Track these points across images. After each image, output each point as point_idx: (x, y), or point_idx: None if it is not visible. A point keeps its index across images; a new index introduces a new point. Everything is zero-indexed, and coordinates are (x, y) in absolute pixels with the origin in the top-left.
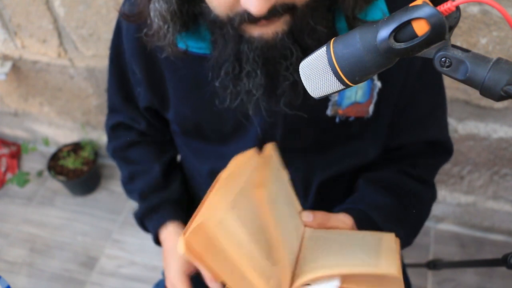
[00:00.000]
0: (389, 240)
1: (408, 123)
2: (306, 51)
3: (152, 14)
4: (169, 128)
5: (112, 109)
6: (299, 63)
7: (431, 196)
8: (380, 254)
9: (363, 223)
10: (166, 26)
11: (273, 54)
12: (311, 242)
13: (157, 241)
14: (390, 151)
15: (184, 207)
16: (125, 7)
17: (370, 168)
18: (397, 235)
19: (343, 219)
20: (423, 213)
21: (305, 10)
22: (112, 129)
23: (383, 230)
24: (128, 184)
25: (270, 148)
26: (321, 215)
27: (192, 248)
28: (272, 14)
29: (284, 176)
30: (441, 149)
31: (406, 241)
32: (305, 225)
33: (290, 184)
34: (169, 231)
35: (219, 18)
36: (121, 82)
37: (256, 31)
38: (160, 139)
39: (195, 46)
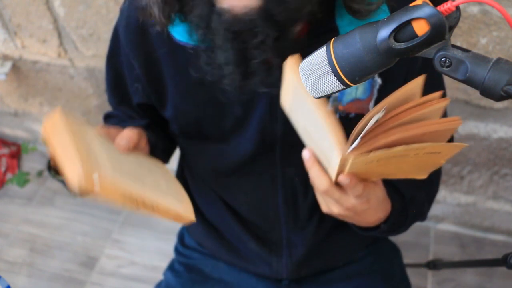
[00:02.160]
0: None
1: None
2: (283, 32)
3: None
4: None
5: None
6: (272, 42)
7: (437, 174)
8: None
9: (387, 192)
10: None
11: (242, 29)
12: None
13: None
14: None
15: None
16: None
17: None
18: (418, 199)
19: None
20: (431, 190)
21: None
22: (105, 118)
23: (405, 195)
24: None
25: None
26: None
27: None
28: None
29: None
30: None
31: (425, 209)
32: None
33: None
34: None
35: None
36: (116, 83)
37: (226, 2)
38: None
39: (186, 37)
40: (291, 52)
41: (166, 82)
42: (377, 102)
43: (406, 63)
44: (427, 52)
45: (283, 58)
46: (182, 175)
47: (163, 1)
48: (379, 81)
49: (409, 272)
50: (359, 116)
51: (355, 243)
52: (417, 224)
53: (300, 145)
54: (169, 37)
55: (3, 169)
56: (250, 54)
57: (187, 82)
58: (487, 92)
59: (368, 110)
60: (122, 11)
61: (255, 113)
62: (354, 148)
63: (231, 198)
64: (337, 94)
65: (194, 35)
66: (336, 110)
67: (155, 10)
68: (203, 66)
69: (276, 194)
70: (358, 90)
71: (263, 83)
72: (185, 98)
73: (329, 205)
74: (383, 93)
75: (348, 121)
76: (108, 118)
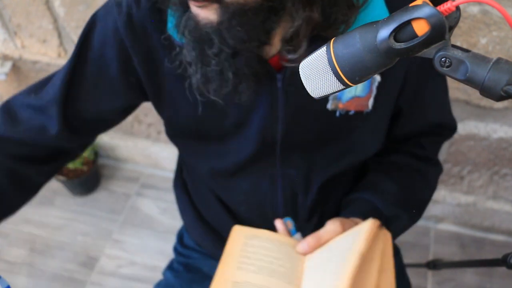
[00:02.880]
0: (361, 233)
1: (415, 110)
2: (241, 51)
3: None
4: (87, 139)
5: (32, 90)
6: (227, 57)
7: (436, 173)
8: (341, 267)
9: (369, 212)
10: None
11: (201, 38)
12: (306, 273)
13: None
14: (398, 137)
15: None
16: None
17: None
18: (400, 219)
19: (333, 228)
20: (429, 191)
21: (231, 8)
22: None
23: (387, 215)
24: None
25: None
26: (312, 239)
27: None
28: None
29: (260, 234)
30: (444, 128)
31: (410, 222)
32: (305, 254)
33: (275, 236)
34: None
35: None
36: (72, 77)
37: (193, 9)
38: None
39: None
40: (259, 69)
41: (165, 80)
42: (376, 99)
43: (404, 61)
44: (427, 52)
45: (247, 75)
46: (181, 176)
47: None
48: (378, 78)
49: (409, 272)
50: (358, 113)
51: None
52: (417, 224)
53: (301, 146)
54: (169, 36)
55: None
56: (207, 61)
57: (186, 81)
58: (487, 92)
59: (367, 107)
60: (119, 4)
61: (256, 114)
62: None
63: (230, 198)
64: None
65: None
66: (336, 108)
67: None
68: (172, 55)
69: (276, 195)
70: (357, 88)
71: (216, 92)
72: (183, 97)
73: None
74: (382, 90)
75: (348, 119)
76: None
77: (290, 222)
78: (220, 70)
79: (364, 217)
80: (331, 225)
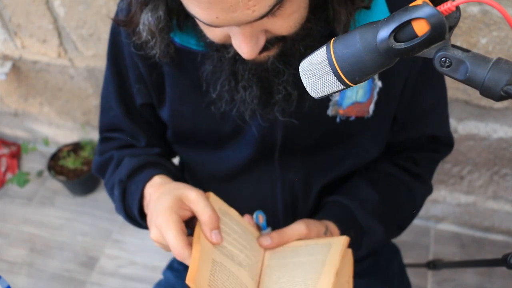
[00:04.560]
0: (336, 249)
1: (410, 119)
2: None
3: (141, 26)
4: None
5: (110, 129)
6: (292, 79)
7: (424, 193)
8: (318, 282)
9: (344, 218)
10: (154, 40)
11: (266, 73)
12: (267, 272)
13: (142, 215)
14: (391, 146)
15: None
16: (118, 11)
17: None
18: (376, 231)
19: (297, 228)
20: (413, 209)
21: (294, 38)
22: (104, 140)
23: (363, 225)
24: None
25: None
26: (276, 235)
27: None
28: (263, 49)
29: (231, 212)
30: (441, 143)
31: (386, 237)
32: (266, 248)
33: (240, 218)
34: (156, 183)
35: (215, 43)
36: (121, 88)
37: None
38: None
39: (193, 42)
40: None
41: (165, 83)
42: (377, 104)
43: (407, 66)
44: (427, 52)
45: (300, 89)
46: (182, 177)
47: (162, 41)
48: (379, 84)
49: (409, 272)
50: (359, 119)
51: None
52: (417, 224)
53: (301, 151)
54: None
55: (3, 169)
56: (276, 90)
57: (186, 85)
58: (487, 92)
59: (368, 113)
60: (121, 9)
61: (254, 119)
62: None
63: (230, 203)
64: (337, 98)
65: (201, 42)
66: (336, 114)
67: (161, 12)
68: (222, 103)
69: (275, 199)
70: (358, 94)
71: (284, 111)
72: (183, 101)
73: None
74: (383, 96)
75: (348, 125)
76: (109, 141)
77: (262, 216)
78: (288, 93)
79: (338, 222)
80: (296, 225)
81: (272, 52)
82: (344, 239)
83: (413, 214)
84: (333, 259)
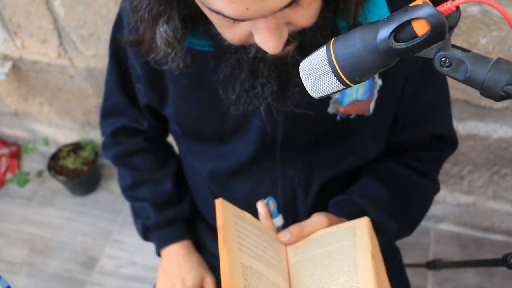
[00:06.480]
0: (362, 231)
1: (412, 119)
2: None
3: (159, 41)
4: (168, 129)
5: (111, 112)
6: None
7: (432, 190)
8: (357, 267)
9: (356, 214)
10: (174, 52)
11: (286, 67)
12: (297, 268)
13: (158, 252)
14: (395, 146)
15: (191, 227)
16: (126, 33)
17: (374, 163)
18: (389, 227)
19: (318, 220)
20: (423, 206)
21: (314, 29)
22: (113, 135)
23: (376, 221)
24: (132, 190)
25: (219, 203)
26: (295, 228)
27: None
28: (285, 44)
29: (245, 215)
30: (445, 142)
31: (398, 235)
32: (286, 244)
33: (255, 220)
34: (175, 251)
35: (233, 45)
36: (123, 79)
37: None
38: (162, 145)
39: (197, 43)
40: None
41: (167, 82)
42: (377, 103)
43: (407, 64)
44: (427, 52)
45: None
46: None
47: (182, 51)
48: (379, 82)
49: (409, 272)
50: (359, 117)
51: None
52: None
53: (301, 149)
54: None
55: (3, 169)
56: (293, 83)
57: (188, 83)
58: (487, 92)
59: (368, 111)
60: (122, 12)
61: (256, 115)
62: None
63: (231, 199)
64: (337, 96)
65: (208, 40)
66: (336, 112)
67: (177, 22)
68: (241, 103)
69: (276, 197)
70: (358, 92)
71: (298, 104)
72: (185, 99)
73: None
74: (383, 94)
75: (348, 123)
76: (117, 136)
77: (272, 203)
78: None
79: (351, 219)
80: (317, 218)
81: (293, 46)
82: (366, 220)
83: (422, 212)
84: (363, 241)
